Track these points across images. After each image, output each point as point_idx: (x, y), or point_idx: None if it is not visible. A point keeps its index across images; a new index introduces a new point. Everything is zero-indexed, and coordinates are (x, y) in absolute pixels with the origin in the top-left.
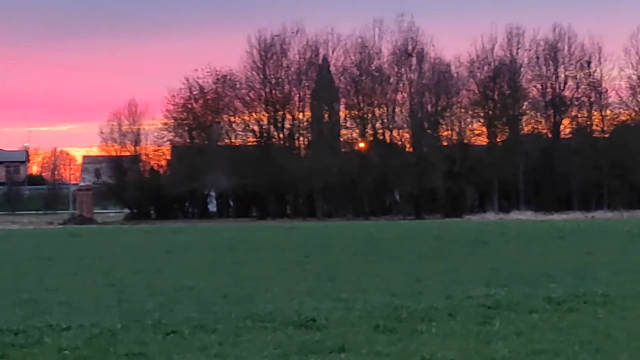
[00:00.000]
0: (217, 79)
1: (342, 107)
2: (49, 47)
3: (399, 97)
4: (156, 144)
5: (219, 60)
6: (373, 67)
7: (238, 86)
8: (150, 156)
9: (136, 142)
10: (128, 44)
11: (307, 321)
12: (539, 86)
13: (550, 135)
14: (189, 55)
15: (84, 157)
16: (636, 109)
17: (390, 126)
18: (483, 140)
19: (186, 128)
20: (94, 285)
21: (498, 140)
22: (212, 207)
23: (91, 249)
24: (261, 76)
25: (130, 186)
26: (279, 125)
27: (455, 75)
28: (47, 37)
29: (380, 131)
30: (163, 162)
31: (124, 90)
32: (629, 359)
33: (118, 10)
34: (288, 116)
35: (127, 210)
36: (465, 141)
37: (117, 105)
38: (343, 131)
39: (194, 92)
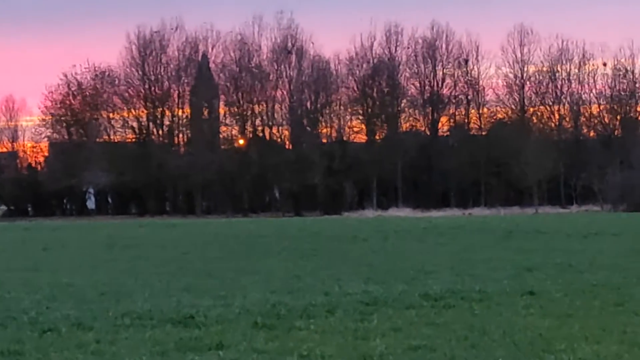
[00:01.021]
0: (96, 75)
1: (221, 104)
2: None
3: (278, 94)
4: (34, 140)
5: (97, 57)
6: (252, 64)
7: (117, 82)
8: (28, 153)
9: (13, 139)
10: (4, 39)
11: (185, 318)
12: (417, 84)
13: (428, 133)
14: (67, 51)
15: None
16: (513, 106)
17: (270, 123)
18: (362, 138)
19: (64, 124)
20: None
21: (377, 137)
22: (91, 204)
23: None
24: (140, 72)
25: (7, 183)
26: (158, 122)
27: (334, 72)
28: None
29: (259, 128)
30: (41, 159)
31: (0, 86)
32: (504, 354)
33: None
34: (167, 113)
35: (4, 208)
36: (345, 138)
37: None
38: (222, 128)
39: (72, 89)
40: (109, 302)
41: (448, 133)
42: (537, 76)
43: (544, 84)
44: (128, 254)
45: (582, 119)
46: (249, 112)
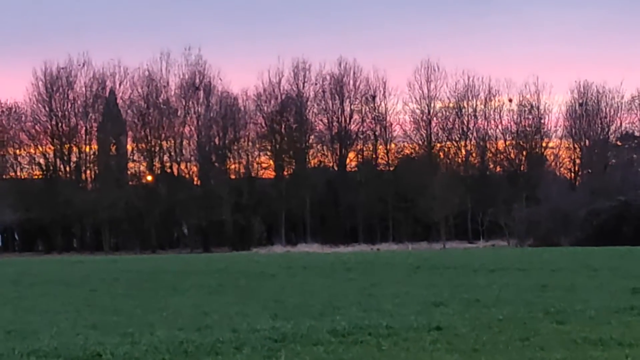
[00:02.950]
0: (2, 112)
1: (129, 140)
2: None
3: (186, 130)
4: None
5: (3, 93)
6: (160, 100)
7: (23, 119)
8: None
9: None
10: None
11: (92, 356)
12: (325, 120)
13: (336, 168)
14: None
15: None
16: (420, 142)
17: (178, 159)
18: (270, 174)
19: None
20: None
21: (285, 173)
22: None
23: None
24: (47, 109)
25: None
26: (65, 158)
27: (242, 108)
28: None
29: (167, 164)
30: None
31: None
32: None
33: None
34: (74, 149)
35: None
36: (253, 174)
37: None
38: (130, 164)
39: None
40: (15, 340)
41: (356, 168)
42: (444, 112)
43: (451, 119)
44: (34, 291)
45: (489, 154)
46: (157, 148)
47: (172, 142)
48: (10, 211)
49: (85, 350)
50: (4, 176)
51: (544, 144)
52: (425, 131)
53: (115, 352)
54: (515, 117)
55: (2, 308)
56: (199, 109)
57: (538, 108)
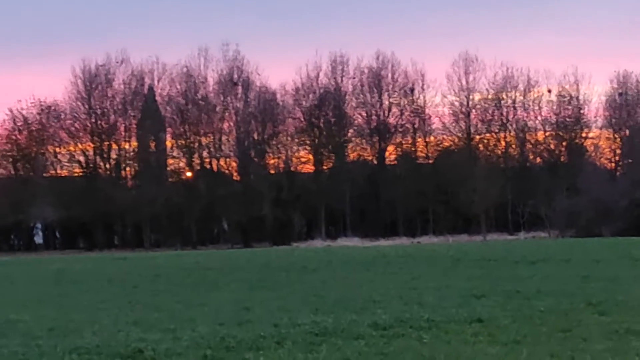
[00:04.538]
0: (42, 110)
1: (168, 136)
2: None
3: (225, 125)
4: None
5: (43, 91)
6: (199, 96)
7: (63, 117)
8: None
9: None
10: None
11: (134, 353)
12: (363, 113)
13: (375, 162)
14: (12, 85)
15: None
16: (459, 134)
17: (217, 155)
18: (309, 168)
19: (10, 160)
20: None
21: (324, 167)
22: (39, 239)
23: None
24: (86, 106)
25: None
26: (105, 155)
27: (280, 103)
28: None
29: (207, 160)
30: None
31: None
32: None
33: None
34: (114, 146)
35: None
36: (292, 169)
37: None
38: (170, 160)
39: (18, 124)
40: (57, 337)
41: (395, 162)
42: (483, 104)
43: (490, 111)
44: (76, 289)
45: (528, 145)
46: (196, 144)
47: (211, 137)
48: (51, 209)
49: (127, 346)
50: (44, 174)
51: (583, 135)
52: (464, 123)
53: (156, 348)
54: (554, 107)
55: (44, 306)
56: (238, 105)
57: (577, 98)
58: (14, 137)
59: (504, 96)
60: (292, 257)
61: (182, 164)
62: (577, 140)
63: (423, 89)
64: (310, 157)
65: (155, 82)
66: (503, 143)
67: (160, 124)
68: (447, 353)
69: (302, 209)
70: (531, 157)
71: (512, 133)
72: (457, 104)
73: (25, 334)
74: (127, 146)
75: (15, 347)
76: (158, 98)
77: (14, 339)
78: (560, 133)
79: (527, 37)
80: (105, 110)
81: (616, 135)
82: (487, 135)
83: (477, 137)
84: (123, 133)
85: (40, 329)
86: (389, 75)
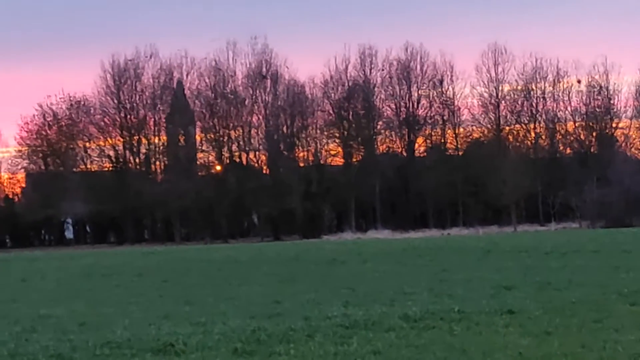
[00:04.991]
0: (71, 105)
1: (197, 130)
2: None
3: (254, 119)
4: (10, 171)
5: (72, 86)
6: (228, 90)
7: (92, 112)
8: (5, 184)
9: None
10: None
11: (165, 346)
12: (392, 105)
13: (405, 154)
14: (41, 81)
15: None
16: (489, 126)
17: (247, 148)
18: (339, 161)
19: (41, 155)
20: None
21: (354, 160)
22: (69, 233)
23: None
24: (115, 101)
25: None
26: (135, 150)
27: (309, 96)
28: None
29: (236, 154)
30: (18, 190)
31: None
32: None
33: None
34: (143, 141)
35: None
36: (321, 162)
37: None
38: (199, 154)
39: (48, 119)
40: (89, 332)
41: (425, 154)
42: (512, 95)
43: (519, 102)
44: (107, 283)
45: (558, 136)
46: (225, 138)
47: (240, 131)
48: (81, 204)
49: (158, 340)
50: (74, 169)
51: (614, 125)
52: (493, 114)
53: (187, 341)
54: (584, 98)
55: (76, 300)
56: (267, 98)
57: (607, 88)
58: (44, 133)
59: (534, 87)
60: (322, 250)
61: (211, 158)
62: (607, 131)
63: (452, 81)
64: (340, 149)
65: (184, 76)
66: (533, 134)
67: (189, 118)
68: (478, 344)
69: (332, 202)
70: (561, 147)
71: (542, 124)
72: (486, 95)
73: (57, 329)
74: (156, 140)
75: (47, 342)
76: (187, 92)
77: (45, 334)
78: (590, 123)
79: (556, 27)
80: (135, 104)
81: None
82: (517, 126)
83: (507, 128)
84: (152, 127)
85: (72, 323)
86: (418, 67)
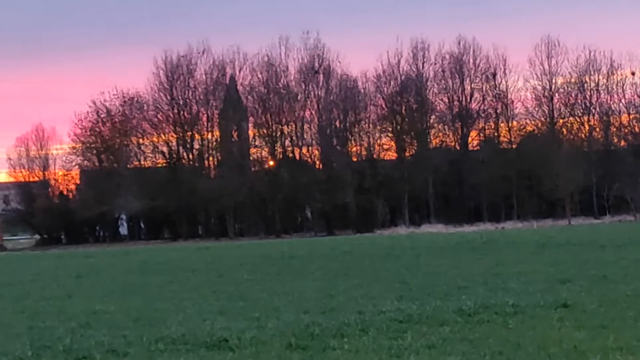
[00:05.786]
0: (124, 101)
1: (250, 125)
2: None
3: (307, 114)
4: (65, 168)
5: (125, 83)
6: (280, 85)
7: (145, 108)
8: (59, 181)
9: (44, 167)
10: (33, 68)
11: (219, 342)
12: (445, 99)
13: (458, 148)
14: (95, 78)
15: None
16: (542, 119)
17: (300, 143)
18: (392, 155)
19: (94, 151)
20: (4, 313)
21: (407, 154)
22: (124, 230)
23: (1, 276)
24: (168, 97)
25: (39, 212)
26: (188, 145)
27: (362, 90)
28: None
29: (289, 149)
30: (72, 187)
31: (30, 115)
32: None
33: (22, 33)
34: (197, 136)
35: (37, 236)
36: (375, 156)
37: (23, 131)
38: (252, 150)
39: (102, 115)
40: (143, 327)
41: (478, 147)
42: (566, 87)
43: (573, 95)
44: (161, 279)
45: (612, 129)
46: (278, 133)
47: (293, 126)
48: (135, 200)
49: (212, 335)
50: (128, 166)
51: None
52: (547, 107)
53: (241, 337)
54: (638, 90)
55: (130, 296)
56: (319, 93)
57: None
58: (97, 129)
59: (587, 79)
60: (375, 245)
61: (264, 153)
62: None
63: (505, 74)
64: (393, 144)
65: (237, 71)
66: (587, 127)
67: (242, 113)
68: (532, 338)
69: (385, 196)
70: (615, 140)
71: (596, 116)
72: (539, 88)
73: (112, 325)
74: (209, 136)
75: (101, 338)
76: (239, 88)
77: (100, 330)
78: None
79: (610, 19)
80: (188, 100)
81: None
82: (571, 119)
83: (561, 121)
84: (205, 123)
85: (126, 319)
86: (471, 60)
